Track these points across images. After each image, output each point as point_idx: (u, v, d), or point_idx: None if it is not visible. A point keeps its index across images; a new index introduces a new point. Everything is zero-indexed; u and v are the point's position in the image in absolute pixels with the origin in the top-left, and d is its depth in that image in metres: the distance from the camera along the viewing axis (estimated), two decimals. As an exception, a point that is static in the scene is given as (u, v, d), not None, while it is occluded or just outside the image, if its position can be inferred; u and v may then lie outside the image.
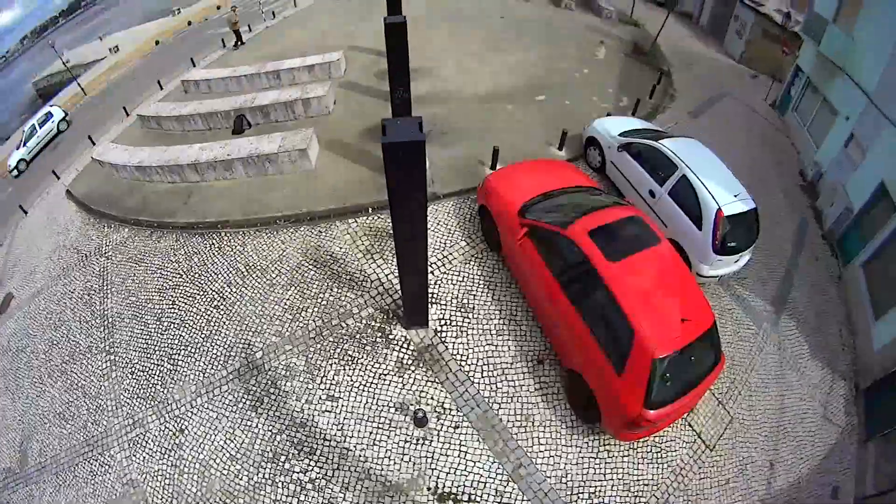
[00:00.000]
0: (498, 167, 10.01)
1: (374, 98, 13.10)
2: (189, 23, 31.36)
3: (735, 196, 7.84)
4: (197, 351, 8.22)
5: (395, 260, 7.09)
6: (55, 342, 9.94)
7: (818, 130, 13.48)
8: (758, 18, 20.45)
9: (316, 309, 8.08)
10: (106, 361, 8.95)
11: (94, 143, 17.25)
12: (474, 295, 8.00)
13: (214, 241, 9.84)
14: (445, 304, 7.90)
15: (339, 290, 8.18)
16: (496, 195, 7.99)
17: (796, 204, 12.08)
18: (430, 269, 8.18)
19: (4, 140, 31.87)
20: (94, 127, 19.61)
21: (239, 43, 21.09)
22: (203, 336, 8.36)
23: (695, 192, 7.92)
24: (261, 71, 14.88)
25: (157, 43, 29.46)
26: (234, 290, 8.75)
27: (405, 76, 9.23)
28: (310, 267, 8.65)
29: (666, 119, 13.56)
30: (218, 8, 33.40)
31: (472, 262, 8.43)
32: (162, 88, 19.25)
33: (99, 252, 11.18)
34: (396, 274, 7.83)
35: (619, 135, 9.81)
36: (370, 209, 9.37)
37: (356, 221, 9.27)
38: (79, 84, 27.06)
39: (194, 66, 19.96)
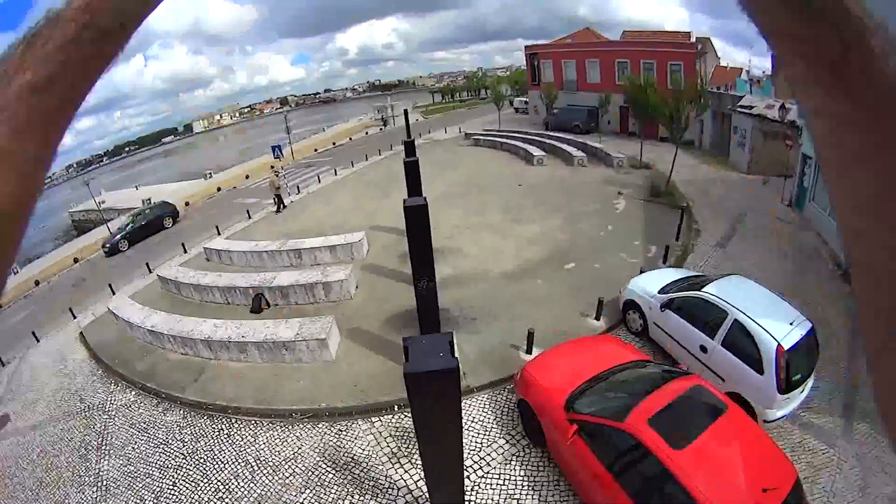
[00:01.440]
0: (534, 351, 10.06)
1: (397, 282, 13.70)
2: (218, 189, 34.23)
3: (791, 323, 7.41)
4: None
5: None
6: (44, 484, 9.13)
7: None
8: (755, 122, 21.40)
9: (330, 520, 7.50)
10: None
11: (113, 293, 17.63)
12: (517, 499, 7.47)
13: (224, 426, 9.57)
14: (482, 515, 7.35)
15: (362, 498, 7.69)
16: (537, 388, 7.66)
17: (836, 296, 11.43)
18: (467, 473, 7.77)
19: (33, 260, 32.95)
20: (118, 276, 20.23)
21: (282, 207, 22.83)
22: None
23: (750, 335, 7.48)
24: (282, 248, 15.95)
25: (186, 204, 31.73)
26: (242, 483, 8.22)
27: (428, 264, 9.48)
28: (328, 469, 8.25)
29: (696, 258, 13.95)
30: (246, 177, 36.79)
31: (513, 462, 8.00)
32: (186, 252, 20.34)
33: (103, 409, 10.92)
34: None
35: (659, 292, 9.64)
36: (395, 407, 9.25)
37: (380, 420, 9.06)
38: (108, 228, 28.52)
39: (219, 234, 21.40)
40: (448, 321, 11.34)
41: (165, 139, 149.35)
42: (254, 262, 16.26)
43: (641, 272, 11.87)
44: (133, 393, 11.22)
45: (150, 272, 18.75)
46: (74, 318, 16.40)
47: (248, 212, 23.52)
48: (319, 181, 28.77)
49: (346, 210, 21.14)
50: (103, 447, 9.75)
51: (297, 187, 28.03)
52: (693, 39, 35.41)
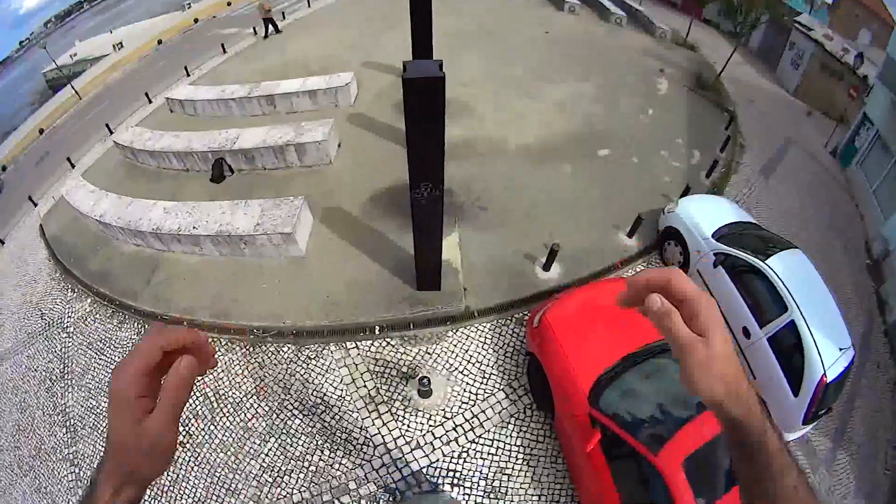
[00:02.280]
0: (554, 269, 7.75)
1: (389, 142, 10.54)
2: (196, 20, 29.13)
3: (840, 350, 6.12)
4: (163, 496, 6.28)
5: (406, 416, 6.21)
6: (22, 428, 8.29)
7: (887, 197, 11.40)
8: (817, 50, 18.52)
9: (301, 475, 5.97)
10: (71, 473, 7.19)
11: (72, 165, 15.45)
12: (507, 475, 5.82)
13: (178, 348, 7.84)
14: (471, 488, 5.72)
15: (332, 454, 6.02)
16: (556, 353, 5.59)
17: (862, 291, 9.83)
18: (455, 435, 6.10)
19: (11, 132, 30.99)
20: (80, 142, 17.70)
21: (274, 32, 19.25)
22: (169, 479, 6.36)
23: (801, 346, 6.11)
24: (252, 94, 12.57)
25: (159, 42, 27.38)
26: (202, 425, 6.68)
27: (437, 167, 5.73)
28: (294, 412, 6.49)
29: (740, 182, 11.21)
30: (228, 4, 31.11)
31: (510, 426, 6.17)
32: (150, 101, 17.19)
33: (61, 324, 9.43)
34: (407, 440, 6.13)
35: (713, 235, 7.59)
36: (377, 329, 7.05)
37: (357, 347, 6.96)
38: (73, 87, 25.24)
39: (187, 74, 17.90)
40: (452, 208, 8.44)
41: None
42: (220, 112, 13.06)
43: (687, 190, 9.33)
44: (89, 301, 9.44)
45: (111, 132, 16.10)
46: (35, 206, 14.38)
47: (222, 46, 19.29)
48: (309, 5, 23.44)
49: (337, 43, 16.94)
50: (66, 376, 8.43)
51: (283, 13, 22.78)
52: None
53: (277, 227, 7.87)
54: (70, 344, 8.95)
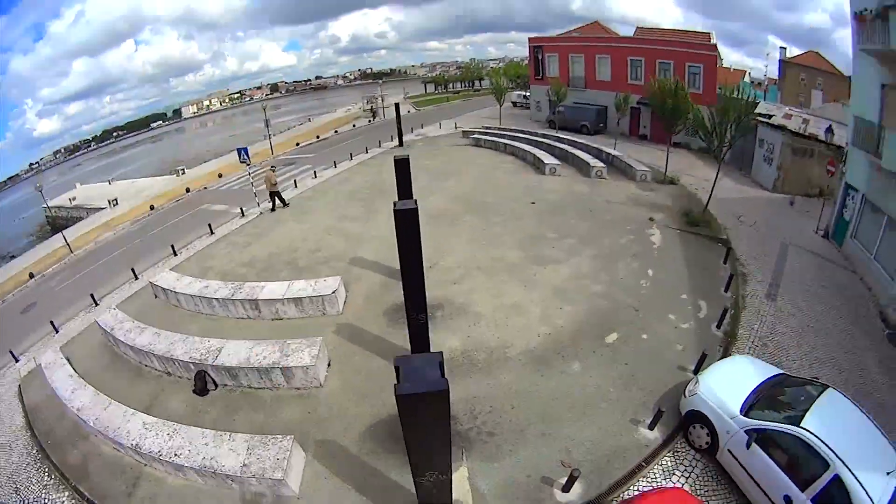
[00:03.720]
0: (575, 489, 7.27)
1: (382, 358, 10.30)
2: (187, 189, 30.71)
3: (888, 474, 6.12)
4: None
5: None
6: None
7: (890, 257, 11.44)
8: (786, 138, 19.43)
9: None
10: None
11: (56, 331, 14.63)
12: None
13: None
14: None
15: None
16: None
17: (890, 364, 9.81)
18: None
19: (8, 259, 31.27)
20: (66, 301, 16.95)
21: (282, 206, 20.85)
22: None
23: (848, 495, 5.95)
24: (236, 295, 12.47)
25: (151, 208, 28.34)
26: None
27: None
28: None
29: (751, 317, 11.35)
30: (219, 176, 33.29)
31: None
32: (137, 278, 17.02)
33: None
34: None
35: (742, 410, 7.37)
36: None
37: None
38: (65, 238, 25.11)
39: (174, 253, 18.10)
40: (457, 438, 8.13)
41: (154, 124, 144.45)
42: (204, 309, 13.01)
43: (703, 359, 9.36)
44: (66, 495, 8.54)
45: (96, 304, 15.55)
46: (16, 361, 13.56)
47: (209, 227, 20.06)
48: (296, 186, 25.30)
49: (323, 230, 17.78)
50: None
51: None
52: (713, 41, 32.08)
53: (267, 470, 7.29)
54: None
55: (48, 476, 9.09)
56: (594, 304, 11.85)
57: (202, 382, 9.94)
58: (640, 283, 12.79)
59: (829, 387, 7.46)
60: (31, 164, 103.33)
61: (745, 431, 7.10)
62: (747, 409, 7.38)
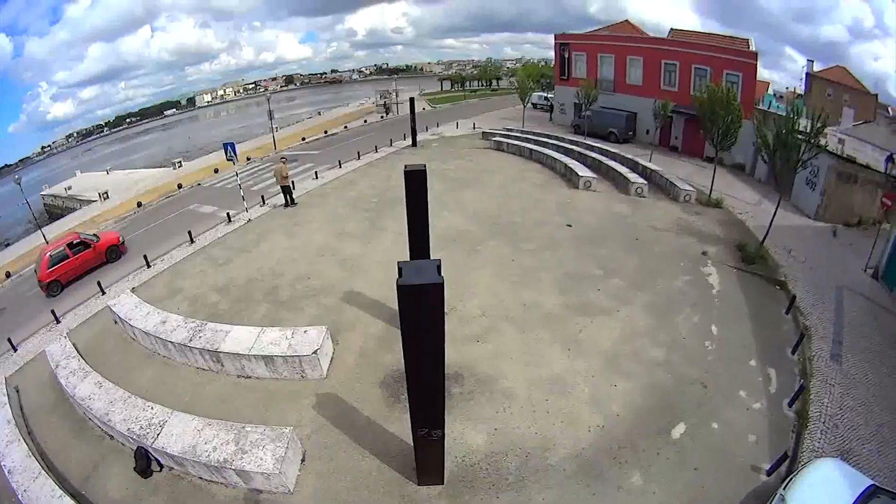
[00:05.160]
0: None
1: (376, 457, 7.63)
2: (179, 186, 28.31)
3: None
4: None
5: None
6: None
7: None
8: (833, 161, 17.40)
9: None
10: None
11: (14, 349, 12.50)
12: None
13: None
14: None
15: None
16: None
17: None
18: None
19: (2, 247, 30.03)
20: (31, 313, 14.59)
21: (290, 202, 19.82)
22: None
23: None
24: (193, 344, 9.85)
25: (139, 205, 26.00)
26: None
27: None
28: None
29: (820, 390, 9.05)
30: (216, 171, 30.88)
31: None
32: (103, 293, 14.62)
33: None
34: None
35: None
36: None
37: None
38: (44, 237, 22.95)
39: (147, 265, 15.67)
40: None
41: (167, 111, 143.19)
42: (160, 350, 10.56)
43: (784, 459, 7.45)
44: None
45: (57, 321, 13.24)
46: None
47: (189, 234, 17.55)
48: (293, 188, 22.69)
49: (316, 250, 15.22)
50: None
51: (262, 198, 21.65)
52: (753, 47, 29.15)
53: None
54: None
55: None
56: (655, 379, 9.23)
57: (144, 462, 7.57)
58: (705, 345, 10.22)
59: None
60: (42, 147, 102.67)
61: None
62: None
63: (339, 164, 26.57)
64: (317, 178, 24.34)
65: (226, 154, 18.59)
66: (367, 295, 11.97)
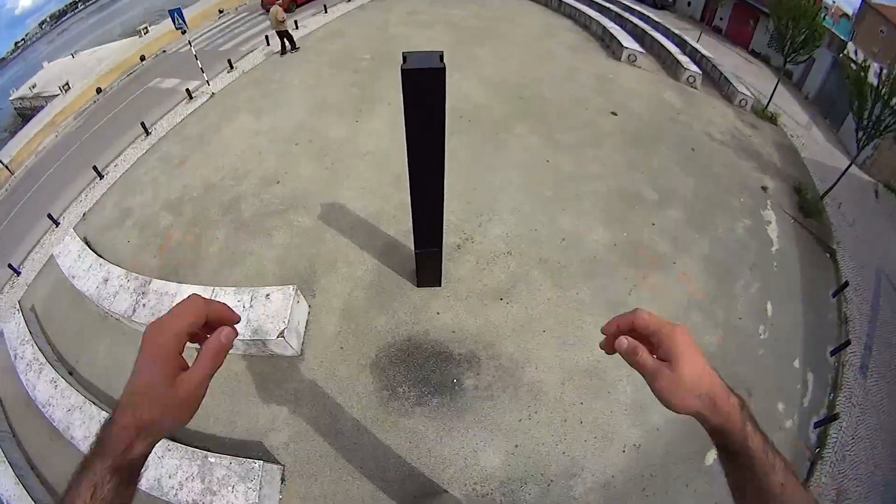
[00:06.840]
0: None
1: (368, 475, 5.73)
2: (142, 57, 23.97)
3: None
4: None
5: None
6: None
7: None
8: None
9: None
10: None
11: None
12: None
13: None
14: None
15: None
16: None
17: None
18: None
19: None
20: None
21: (291, 48, 16.80)
22: None
23: None
24: (137, 314, 7.41)
25: (98, 91, 22.34)
26: None
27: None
28: None
29: (842, 409, 7.71)
30: (183, 32, 25.86)
31: None
32: (56, 224, 12.32)
33: None
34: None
35: None
36: None
37: None
38: (1, 162, 20.18)
39: (100, 176, 12.93)
40: None
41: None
42: (102, 314, 8.44)
43: None
44: None
45: (17, 274, 11.29)
46: None
47: (143, 125, 14.04)
48: (268, 43, 18.32)
49: (289, 134, 11.70)
50: None
51: (229, 62, 16.78)
52: None
53: None
54: None
55: None
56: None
57: None
58: (759, 332, 8.12)
59: None
60: (15, 44, 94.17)
61: None
62: None
63: (325, 9, 21.35)
64: (297, 27, 19.61)
65: (174, 23, 14.46)
66: (353, 211, 9.03)
